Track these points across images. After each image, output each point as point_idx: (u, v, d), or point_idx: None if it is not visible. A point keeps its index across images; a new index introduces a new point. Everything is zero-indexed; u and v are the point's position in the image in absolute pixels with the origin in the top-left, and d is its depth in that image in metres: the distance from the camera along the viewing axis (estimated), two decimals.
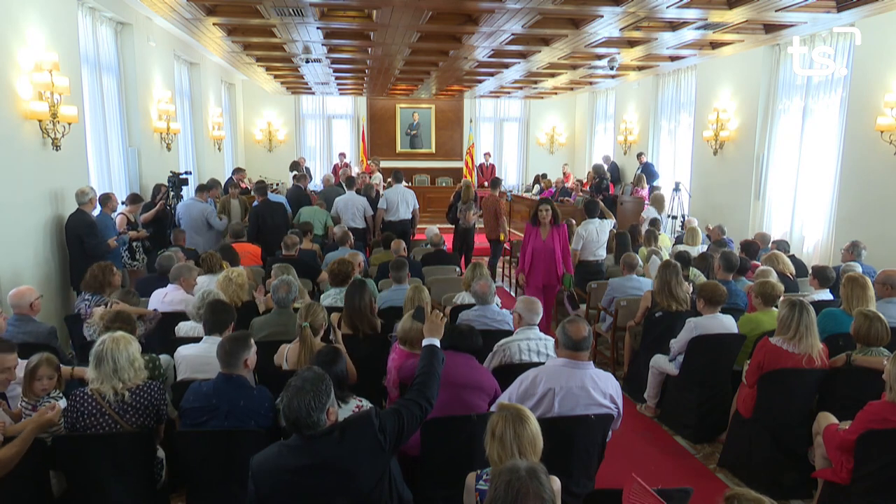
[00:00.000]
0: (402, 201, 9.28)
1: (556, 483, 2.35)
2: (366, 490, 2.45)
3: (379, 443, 2.48)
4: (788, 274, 6.06)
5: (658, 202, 9.79)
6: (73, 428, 3.14)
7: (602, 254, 7.42)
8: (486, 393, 3.49)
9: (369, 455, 2.47)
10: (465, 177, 16.57)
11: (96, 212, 6.38)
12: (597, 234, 7.26)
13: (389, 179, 9.96)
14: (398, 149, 17.72)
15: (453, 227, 9.96)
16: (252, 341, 3.34)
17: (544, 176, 16.01)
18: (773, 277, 5.42)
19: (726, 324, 4.69)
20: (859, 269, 5.49)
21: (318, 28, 8.66)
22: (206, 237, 8.10)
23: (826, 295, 5.56)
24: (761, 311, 4.85)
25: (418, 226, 10.16)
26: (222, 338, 3.69)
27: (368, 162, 14.60)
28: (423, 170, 17.46)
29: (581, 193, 13.16)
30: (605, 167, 13.82)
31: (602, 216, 7.54)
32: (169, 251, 6.05)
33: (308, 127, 17.59)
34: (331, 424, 2.46)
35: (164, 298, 5.09)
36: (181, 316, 4.66)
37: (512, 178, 18.23)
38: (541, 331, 4.17)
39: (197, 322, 4.34)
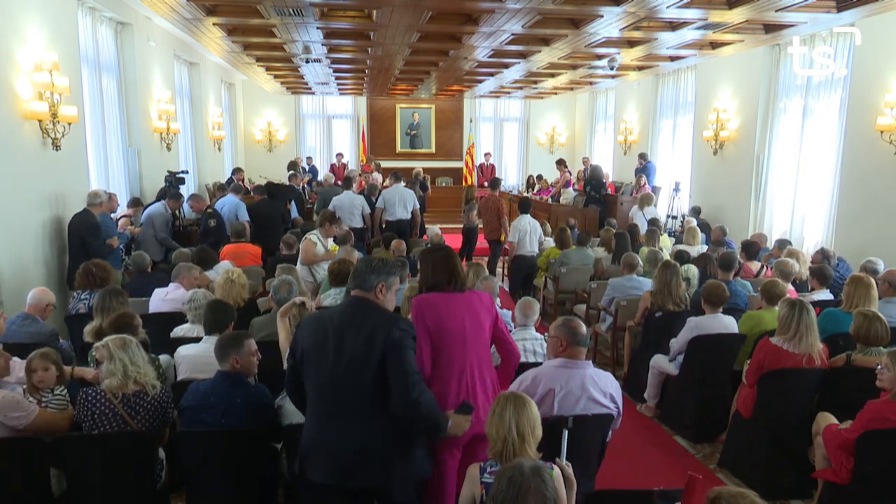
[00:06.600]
0: (399, 201, 9.30)
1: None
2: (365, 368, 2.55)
3: (394, 338, 2.56)
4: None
5: (645, 200, 9.86)
6: (80, 428, 3.15)
7: (535, 249, 8.39)
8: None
9: (375, 340, 2.57)
10: (465, 177, 16.58)
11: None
12: (530, 228, 8.30)
13: (390, 179, 10.00)
14: (398, 149, 17.72)
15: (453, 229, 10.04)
16: (246, 342, 3.28)
17: (539, 178, 15.99)
18: (795, 269, 5.58)
19: (727, 324, 4.69)
20: (881, 266, 5.53)
21: (318, 28, 8.66)
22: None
23: (826, 295, 5.56)
24: (764, 309, 4.85)
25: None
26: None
27: (373, 162, 14.55)
28: (423, 170, 17.40)
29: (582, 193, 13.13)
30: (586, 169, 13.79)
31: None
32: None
33: (308, 127, 17.59)
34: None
35: (164, 297, 5.10)
36: (182, 315, 4.64)
37: (512, 178, 18.21)
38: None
39: (193, 323, 4.35)
